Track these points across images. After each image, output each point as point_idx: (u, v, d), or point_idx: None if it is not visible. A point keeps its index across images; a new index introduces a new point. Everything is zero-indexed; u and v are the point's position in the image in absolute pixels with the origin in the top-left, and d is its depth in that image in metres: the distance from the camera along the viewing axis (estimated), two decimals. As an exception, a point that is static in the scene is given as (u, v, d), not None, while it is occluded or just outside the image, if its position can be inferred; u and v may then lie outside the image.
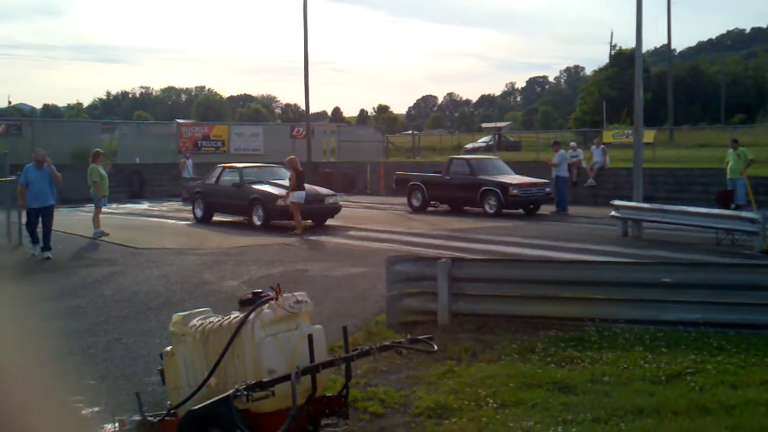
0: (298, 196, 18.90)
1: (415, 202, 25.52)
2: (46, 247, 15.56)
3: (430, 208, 25.21)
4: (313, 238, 18.08)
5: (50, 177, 15.66)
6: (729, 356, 7.37)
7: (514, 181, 23.32)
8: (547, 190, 23.53)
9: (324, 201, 20.53)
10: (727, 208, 18.54)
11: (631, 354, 7.56)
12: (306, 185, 19.79)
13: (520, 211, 23.30)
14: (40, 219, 15.61)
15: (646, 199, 19.47)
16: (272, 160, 38.22)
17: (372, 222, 21.62)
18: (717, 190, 21.28)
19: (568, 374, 6.98)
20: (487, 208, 23.10)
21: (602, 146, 28.74)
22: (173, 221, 23.33)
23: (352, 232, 19.05)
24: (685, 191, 24.75)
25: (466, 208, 24.46)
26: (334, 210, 20.91)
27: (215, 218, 22.23)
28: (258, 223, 20.19)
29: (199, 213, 22.48)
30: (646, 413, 5.89)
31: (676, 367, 7.06)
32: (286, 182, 19.68)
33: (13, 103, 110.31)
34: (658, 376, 6.83)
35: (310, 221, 20.20)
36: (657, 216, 17.01)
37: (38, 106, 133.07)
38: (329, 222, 20.73)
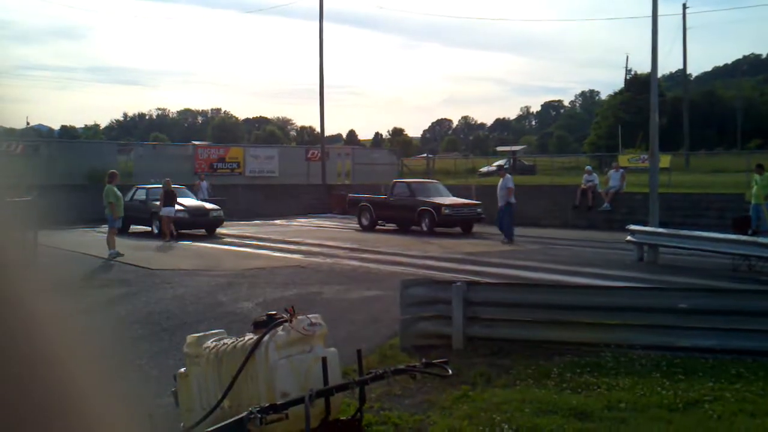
0: (165, 211, 23.25)
1: (364, 221, 27.59)
2: None
3: (378, 227, 27.09)
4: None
5: None
6: (747, 384, 7.28)
7: (447, 202, 25.47)
8: (479, 210, 25.24)
9: (209, 215, 25.47)
10: (744, 233, 18.40)
11: (648, 380, 7.48)
12: (195, 201, 26.07)
13: (457, 229, 25.26)
14: None
15: (661, 224, 19.35)
16: (286, 182, 38.68)
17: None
18: (733, 216, 21.15)
19: (584, 400, 6.91)
20: (423, 226, 25.15)
21: (621, 170, 28.64)
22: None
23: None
24: (701, 216, 24.59)
25: (413, 228, 25.85)
26: (219, 222, 25.72)
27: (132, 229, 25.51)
28: (155, 231, 24.36)
29: (119, 225, 25.37)
30: (663, 441, 5.81)
31: (693, 394, 6.98)
32: (185, 201, 25.10)
33: (31, 124, 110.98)
34: (676, 403, 6.75)
35: (203, 230, 25.24)
36: (673, 241, 16.91)
37: (56, 127, 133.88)
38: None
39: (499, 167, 24.91)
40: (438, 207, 24.96)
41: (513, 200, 22.57)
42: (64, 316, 1.01)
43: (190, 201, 25.96)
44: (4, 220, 0.89)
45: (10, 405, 0.79)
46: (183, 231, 24.20)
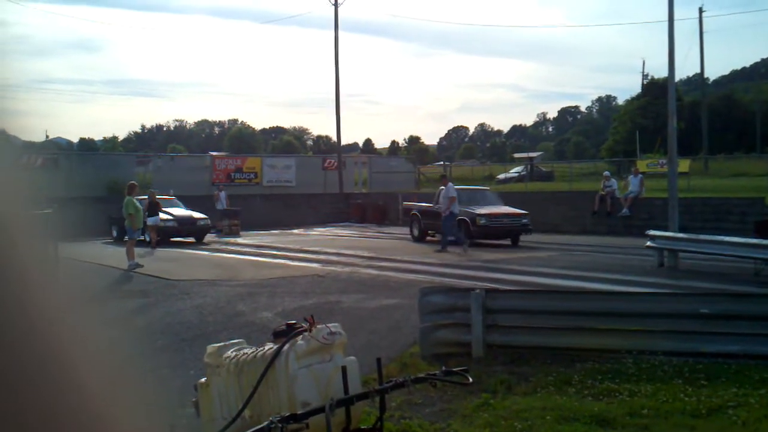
0: (151, 220, 24.70)
1: (415, 232, 26.14)
2: None
3: (428, 238, 25.26)
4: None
5: None
6: (772, 389, 7.20)
7: (484, 212, 23.53)
8: (524, 221, 23.53)
9: (197, 223, 27.26)
10: (766, 238, 18.19)
11: (670, 386, 7.42)
12: (183, 211, 27.82)
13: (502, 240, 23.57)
14: None
15: (681, 229, 19.21)
16: (304, 192, 38.88)
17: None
18: (755, 220, 20.95)
19: (605, 407, 6.86)
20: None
21: (640, 175, 28.48)
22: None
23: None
24: (722, 221, 24.35)
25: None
26: (206, 229, 27.59)
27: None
28: (147, 239, 25.15)
29: (114, 233, 27.72)
30: (687, 448, 5.75)
31: (716, 400, 6.91)
32: (174, 210, 27.29)
33: (50, 137, 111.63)
34: (699, 410, 6.69)
35: (191, 238, 26.95)
36: (693, 246, 16.75)
37: (75, 139, 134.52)
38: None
39: (442, 176, 23.86)
40: (473, 217, 23.31)
41: (456, 210, 21.93)
42: (86, 328, 1.01)
43: (178, 211, 27.85)
44: (26, 232, 0.89)
45: (32, 415, 0.80)
46: (174, 239, 26.18)
